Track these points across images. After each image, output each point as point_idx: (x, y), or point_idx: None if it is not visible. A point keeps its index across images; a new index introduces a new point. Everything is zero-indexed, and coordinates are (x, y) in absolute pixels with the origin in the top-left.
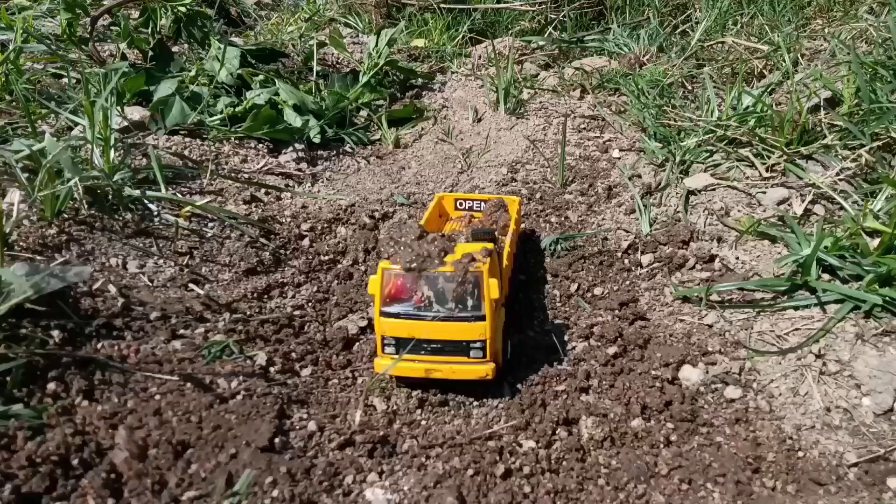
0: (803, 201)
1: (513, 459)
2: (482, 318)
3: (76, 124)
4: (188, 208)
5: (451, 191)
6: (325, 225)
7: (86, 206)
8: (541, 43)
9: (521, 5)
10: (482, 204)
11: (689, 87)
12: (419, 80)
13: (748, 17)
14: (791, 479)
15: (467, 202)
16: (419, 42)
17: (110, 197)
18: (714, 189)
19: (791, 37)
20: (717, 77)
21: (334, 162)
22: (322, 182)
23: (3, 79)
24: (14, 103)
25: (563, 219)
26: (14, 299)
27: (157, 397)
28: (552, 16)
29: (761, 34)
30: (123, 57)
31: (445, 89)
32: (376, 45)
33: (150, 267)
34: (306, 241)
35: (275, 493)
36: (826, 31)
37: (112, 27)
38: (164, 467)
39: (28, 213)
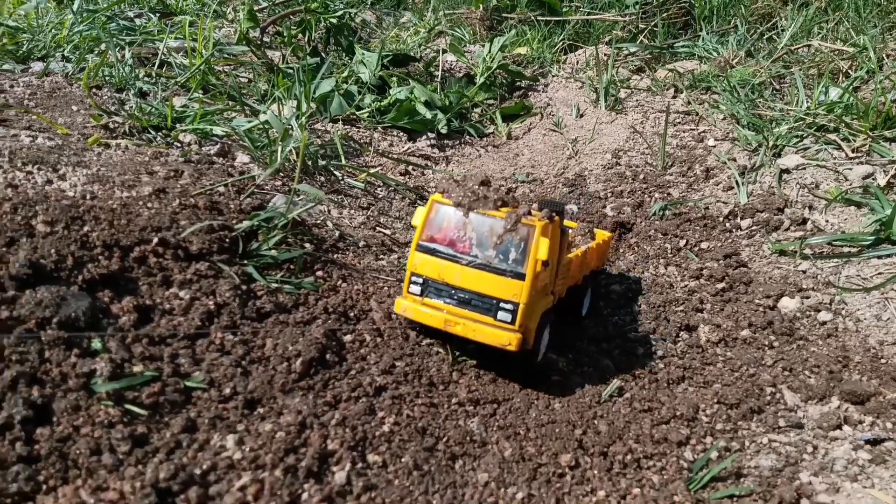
0: (886, 174)
1: (649, 347)
2: (521, 277)
3: (257, 112)
4: (364, 175)
5: (561, 174)
6: None
7: (297, 167)
8: (633, 49)
9: (612, 16)
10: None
11: (777, 87)
12: (525, 81)
13: (833, 22)
14: (874, 376)
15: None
16: (522, 50)
17: (308, 163)
18: (804, 168)
19: (876, 38)
20: (805, 76)
21: (458, 149)
22: (452, 163)
23: (200, 77)
24: (211, 95)
25: (665, 195)
26: (301, 208)
27: (385, 288)
28: (642, 25)
29: (846, 38)
30: (286, 57)
31: (548, 90)
32: (489, 51)
33: (345, 214)
34: None
35: None
36: None
37: (275, 35)
38: (403, 325)
39: (253, 167)
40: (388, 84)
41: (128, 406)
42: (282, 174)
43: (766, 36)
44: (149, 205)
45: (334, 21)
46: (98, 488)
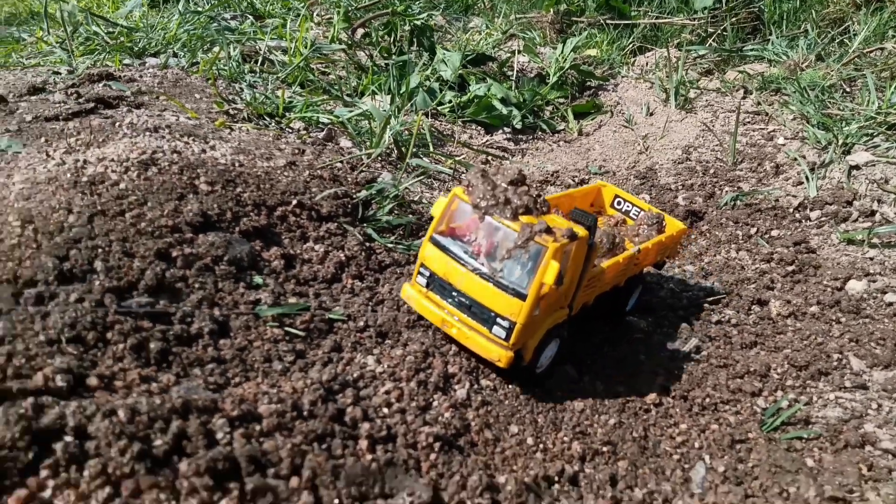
0: None
1: (723, 316)
2: (522, 297)
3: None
4: (450, 161)
5: (632, 167)
6: (539, 184)
7: (394, 151)
8: (702, 52)
9: (681, 20)
10: (640, 212)
11: (847, 89)
12: (595, 81)
13: None
14: None
15: (626, 204)
16: (591, 52)
17: (402, 148)
18: (874, 164)
19: None
20: (877, 78)
21: (531, 143)
22: (528, 156)
23: (299, 73)
24: (309, 90)
25: (735, 188)
26: (408, 181)
27: None
28: (710, 29)
29: None
30: (373, 56)
31: (618, 90)
32: (561, 51)
33: (435, 195)
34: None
35: None
36: None
37: (364, 36)
38: None
39: (354, 150)
40: (467, 82)
41: (287, 329)
42: (380, 157)
43: (836, 40)
44: (285, 174)
45: (418, 23)
46: (273, 385)
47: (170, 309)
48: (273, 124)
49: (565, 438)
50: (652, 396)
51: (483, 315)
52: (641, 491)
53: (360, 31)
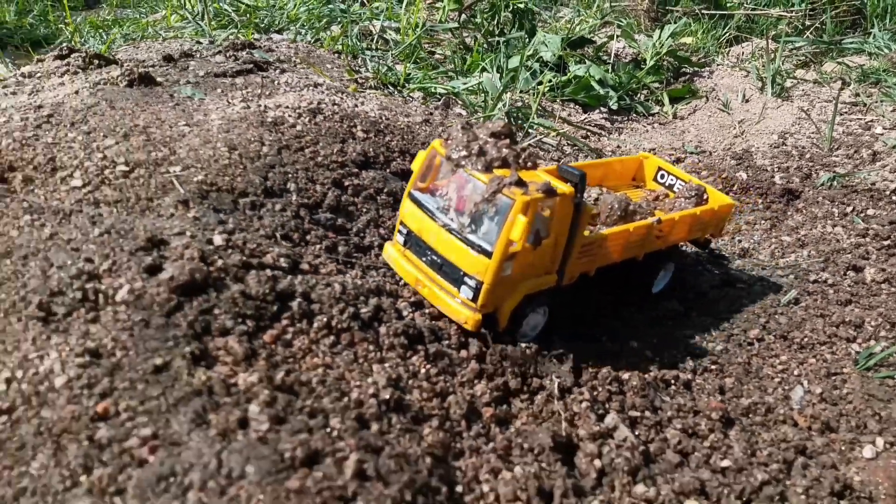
0: None
1: (819, 276)
2: (487, 255)
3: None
4: (553, 133)
5: (728, 149)
6: None
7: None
8: (799, 44)
9: (778, 11)
10: (683, 185)
11: None
12: (691, 68)
13: None
14: None
15: (670, 177)
16: (687, 39)
17: (510, 118)
18: None
19: None
20: None
21: (627, 124)
22: (624, 134)
23: (411, 51)
24: (421, 66)
25: (831, 173)
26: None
27: None
28: (808, 22)
29: None
30: (476, 38)
31: (713, 77)
32: (658, 37)
33: (543, 165)
34: None
35: None
36: None
37: (469, 17)
38: None
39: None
40: (566, 63)
41: None
42: None
43: None
44: (423, 128)
45: (521, 6)
46: None
47: (347, 225)
48: (396, 93)
49: (677, 356)
50: (755, 332)
51: (453, 275)
52: (747, 400)
53: (464, 14)
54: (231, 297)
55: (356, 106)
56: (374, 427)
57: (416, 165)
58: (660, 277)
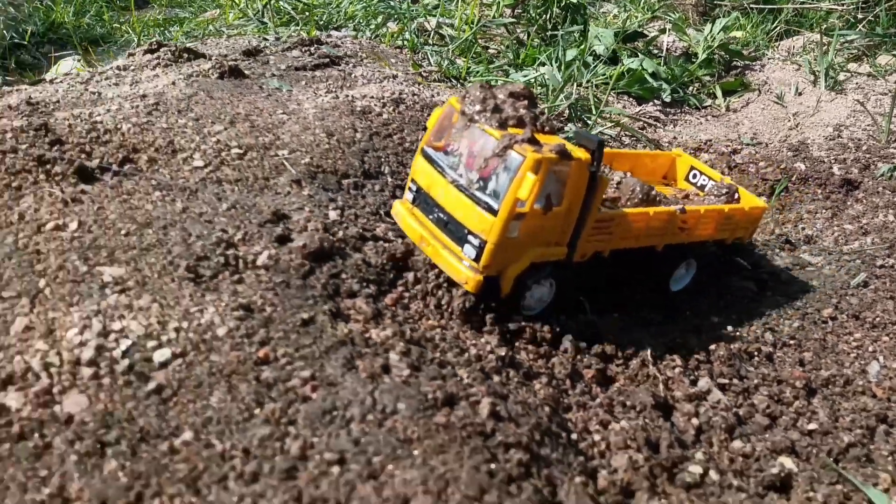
0: None
1: (887, 261)
2: (493, 213)
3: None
4: (614, 123)
5: (784, 141)
6: (692, 151)
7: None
8: (851, 37)
9: (828, 5)
10: (714, 184)
11: None
12: (742, 61)
13: None
14: None
15: (702, 177)
16: (737, 33)
17: (570, 109)
18: None
19: None
20: None
21: (680, 116)
22: (679, 126)
23: (467, 46)
24: (478, 61)
25: (891, 164)
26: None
27: None
28: (860, 15)
29: None
30: (529, 32)
31: (765, 70)
32: (710, 31)
33: None
34: None
35: None
36: None
37: (522, 13)
38: None
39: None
40: (618, 57)
41: None
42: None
43: None
44: None
45: (574, 1)
46: None
47: None
48: (458, 85)
49: (757, 331)
50: (828, 311)
51: (458, 233)
52: (826, 372)
53: (516, 10)
54: (354, 264)
55: (432, 97)
56: (496, 378)
57: (432, 122)
58: (679, 274)
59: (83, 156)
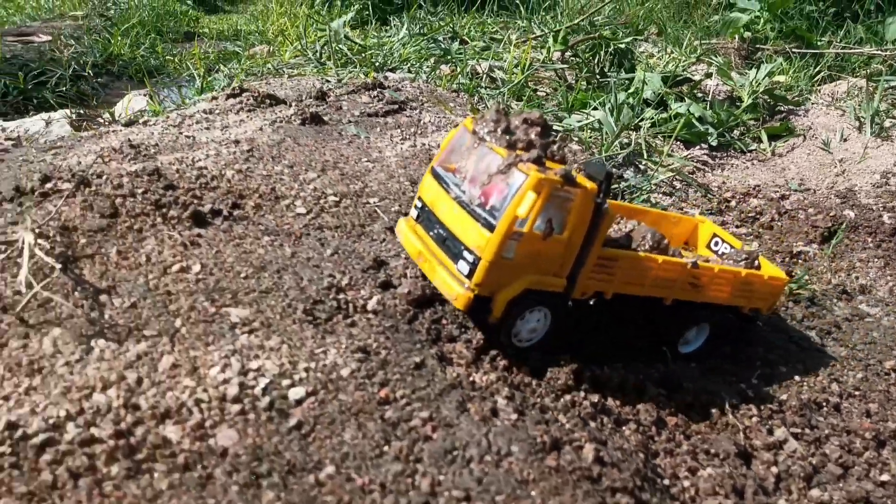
0: None
1: None
2: (490, 228)
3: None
4: (665, 169)
5: (831, 187)
6: (741, 196)
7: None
8: (894, 83)
9: (870, 50)
10: (735, 251)
11: None
12: (786, 106)
13: None
14: None
15: (724, 245)
16: (780, 78)
17: (622, 158)
18: None
19: None
20: None
21: (727, 160)
22: (726, 171)
23: (518, 89)
24: (528, 104)
25: None
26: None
27: None
28: None
29: None
30: (577, 76)
31: (809, 115)
32: (755, 77)
33: (657, 198)
34: (733, 202)
35: None
36: None
37: (572, 56)
38: None
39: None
40: (664, 101)
41: None
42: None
43: None
44: None
45: (622, 46)
46: None
47: None
48: None
49: (823, 381)
50: (890, 363)
51: (455, 249)
52: (893, 424)
53: (565, 54)
54: (452, 310)
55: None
56: (592, 423)
57: (445, 143)
58: (691, 336)
59: (195, 201)
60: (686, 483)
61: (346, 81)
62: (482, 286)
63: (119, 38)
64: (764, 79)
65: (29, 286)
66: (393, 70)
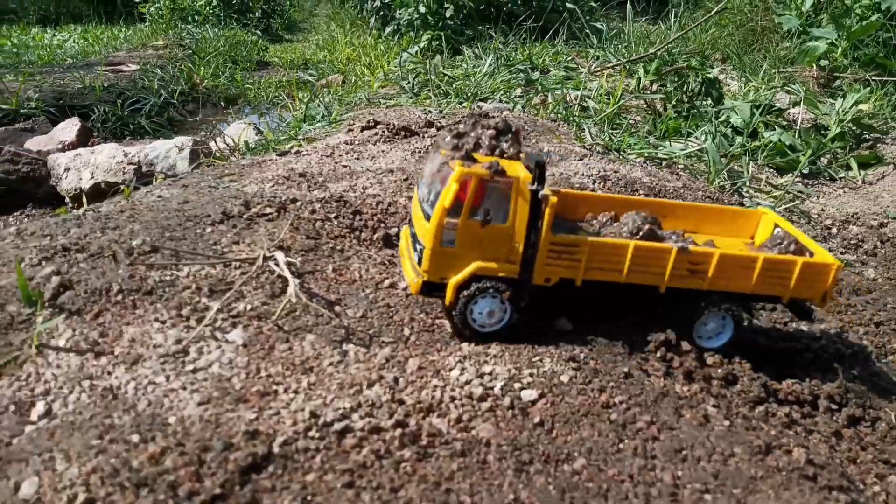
0: None
1: None
2: (428, 218)
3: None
4: (768, 197)
5: None
6: (840, 223)
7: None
8: None
9: None
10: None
11: None
12: (873, 134)
13: None
14: None
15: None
16: (863, 106)
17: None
18: None
19: None
20: None
21: (818, 188)
22: (821, 198)
23: (611, 117)
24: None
25: None
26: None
27: None
28: None
29: None
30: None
31: (895, 143)
32: (841, 105)
33: None
34: (833, 229)
35: None
36: None
37: (660, 87)
38: None
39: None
40: (755, 130)
41: None
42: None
43: None
44: (687, 192)
45: (710, 77)
46: None
47: None
48: (615, 155)
49: None
50: None
51: (416, 243)
52: None
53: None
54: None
55: (627, 173)
56: (790, 431)
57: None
58: (711, 328)
59: (381, 224)
60: (877, 488)
61: (446, 112)
62: (430, 272)
63: (202, 69)
64: (851, 107)
65: (297, 298)
66: (484, 100)
